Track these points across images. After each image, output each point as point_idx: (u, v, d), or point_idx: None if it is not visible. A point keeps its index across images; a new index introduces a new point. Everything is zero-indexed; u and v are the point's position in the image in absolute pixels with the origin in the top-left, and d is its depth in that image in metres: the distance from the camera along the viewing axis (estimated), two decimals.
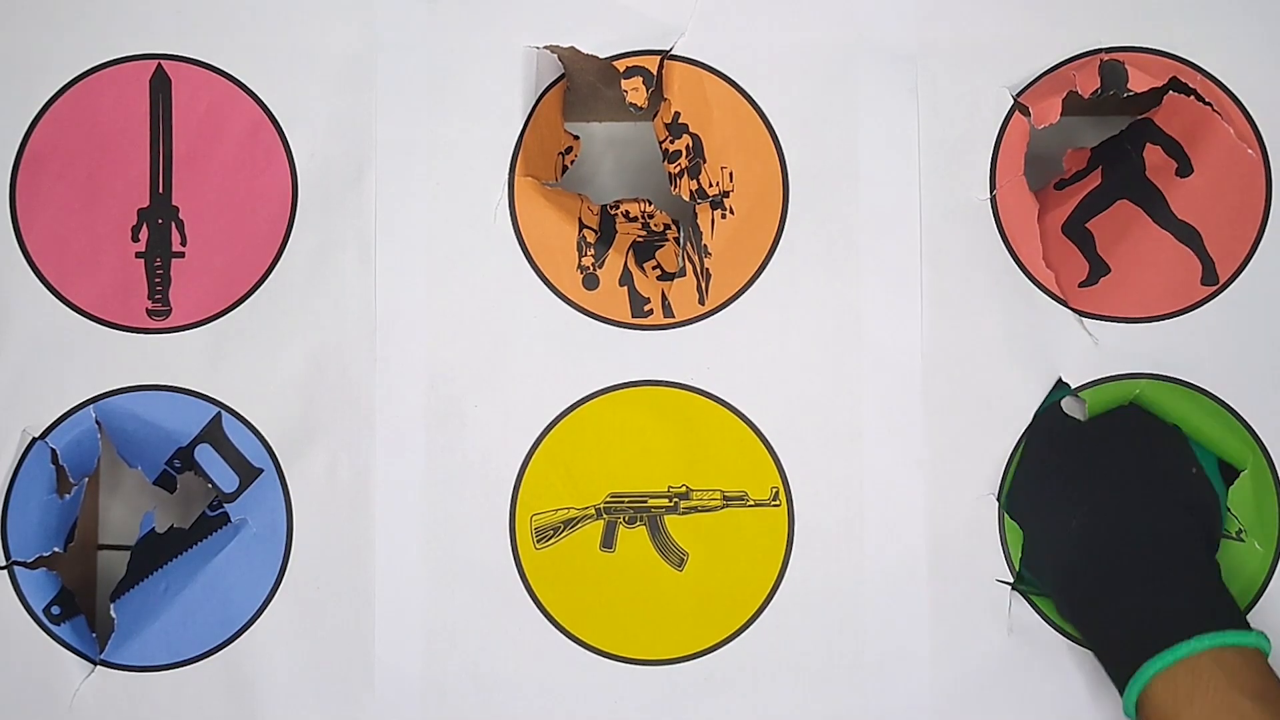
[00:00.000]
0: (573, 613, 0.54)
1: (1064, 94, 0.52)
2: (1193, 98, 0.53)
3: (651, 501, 0.54)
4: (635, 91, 0.54)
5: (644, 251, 0.55)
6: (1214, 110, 0.53)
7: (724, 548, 0.54)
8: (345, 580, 0.54)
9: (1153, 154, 0.54)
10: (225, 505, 0.54)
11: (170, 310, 0.54)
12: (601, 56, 0.54)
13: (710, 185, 0.54)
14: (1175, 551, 0.49)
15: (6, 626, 0.54)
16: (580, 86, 0.56)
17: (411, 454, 0.54)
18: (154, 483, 0.56)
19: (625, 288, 0.54)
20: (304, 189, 0.55)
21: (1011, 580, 0.53)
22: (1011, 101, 0.54)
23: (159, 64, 0.55)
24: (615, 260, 0.55)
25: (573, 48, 0.54)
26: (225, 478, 0.54)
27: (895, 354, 0.54)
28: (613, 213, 0.56)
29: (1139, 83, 0.53)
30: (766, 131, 0.54)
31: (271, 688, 0.54)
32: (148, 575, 0.55)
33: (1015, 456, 0.53)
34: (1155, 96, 0.54)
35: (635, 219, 0.55)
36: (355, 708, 0.53)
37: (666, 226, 0.56)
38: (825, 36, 0.54)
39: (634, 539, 0.54)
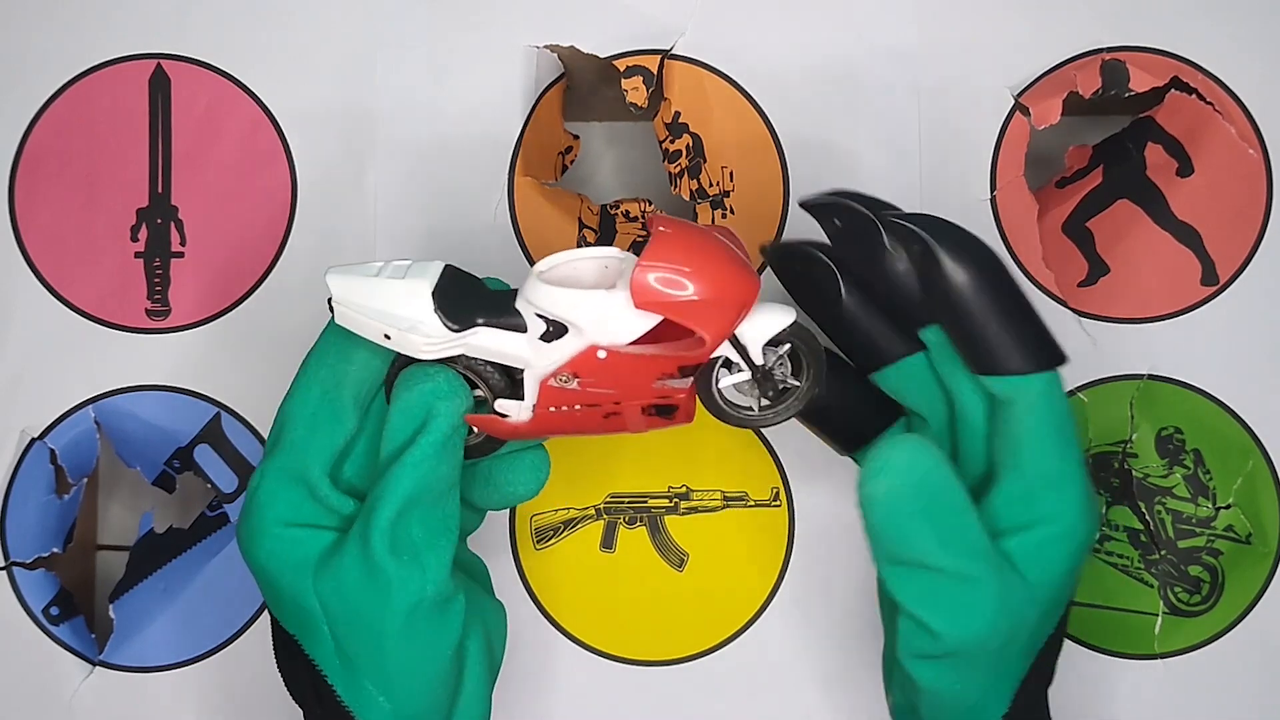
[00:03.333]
0: (573, 613, 0.54)
1: (1064, 94, 0.52)
2: (1194, 97, 0.53)
3: (651, 501, 0.54)
4: (635, 91, 0.54)
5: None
6: (1215, 110, 0.53)
7: (724, 548, 0.54)
8: None
9: (1154, 153, 0.54)
10: (224, 505, 0.54)
11: (170, 310, 0.54)
12: (601, 56, 0.54)
13: (710, 185, 0.54)
14: None
15: (5, 627, 0.54)
16: (580, 86, 0.56)
17: None
18: (153, 483, 0.55)
19: None
20: (304, 189, 0.54)
21: None
22: (1011, 101, 0.54)
23: (158, 64, 0.55)
24: None
25: (573, 47, 0.54)
26: (224, 478, 0.54)
27: None
28: (613, 213, 0.56)
29: (1140, 82, 0.53)
30: (767, 131, 0.54)
31: (271, 688, 0.53)
32: (146, 576, 0.55)
33: None
34: (1157, 96, 0.54)
35: (635, 219, 0.55)
36: None
37: None
38: (825, 36, 0.54)
39: (634, 539, 0.54)
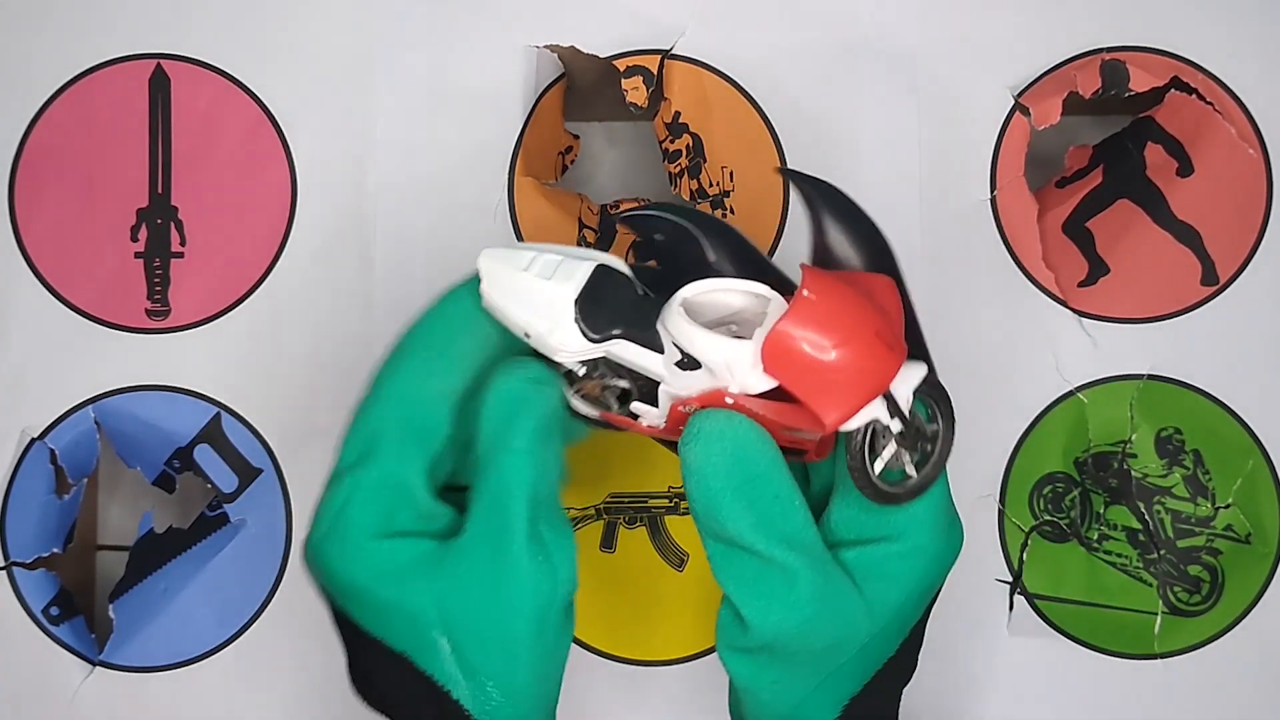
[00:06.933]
0: None
1: (1064, 94, 0.52)
2: (1194, 97, 0.53)
3: (651, 501, 0.54)
4: (635, 91, 0.54)
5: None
6: (1215, 110, 0.53)
7: None
8: None
9: (1154, 153, 0.54)
10: (224, 505, 0.54)
11: (169, 310, 0.54)
12: (601, 56, 0.54)
13: (710, 185, 0.54)
14: None
15: (5, 627, 0.54)
16: (580, 86, 0.56)
17: None
18: (153, 483, 0.55)
19: None
20: (304, 189, 0.54)
21: (1011, 580, 0.53)
22: (1012, 101, 0.54)
23: (158, 63, 0.55)
24: None
25: (573, 47, 0.54)
26: (224, 478, 0.54)
27: None
28: (612, 213, 0.56)
29: (1140, 82, 0.53)
30: (767, 131, 0.54)
31: (271, 688, 0.53)
32: (147, 576, 0.55)
33: (1016, 456, 0.53)
34: (1157, 96, 0.54)
35: None
36: (356, 708, 0.53)
37: None
38: (825, 36, 0.54)
39: (634, 539, 0.54)
